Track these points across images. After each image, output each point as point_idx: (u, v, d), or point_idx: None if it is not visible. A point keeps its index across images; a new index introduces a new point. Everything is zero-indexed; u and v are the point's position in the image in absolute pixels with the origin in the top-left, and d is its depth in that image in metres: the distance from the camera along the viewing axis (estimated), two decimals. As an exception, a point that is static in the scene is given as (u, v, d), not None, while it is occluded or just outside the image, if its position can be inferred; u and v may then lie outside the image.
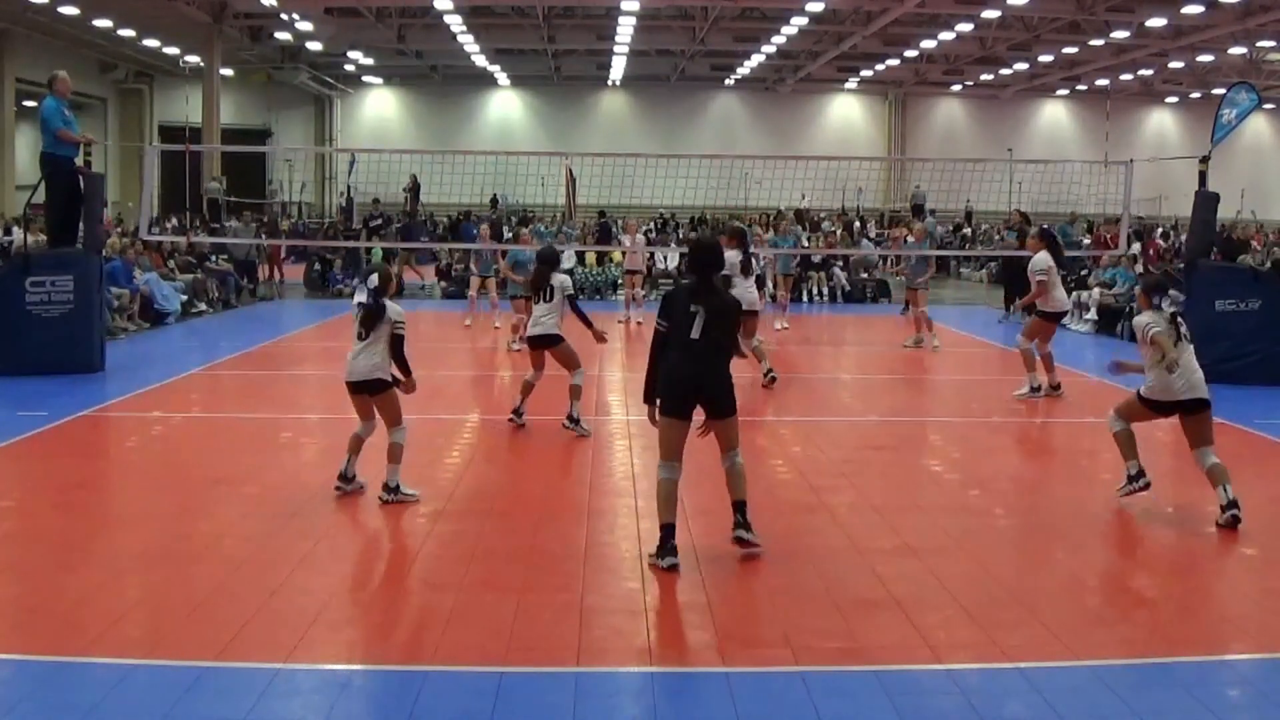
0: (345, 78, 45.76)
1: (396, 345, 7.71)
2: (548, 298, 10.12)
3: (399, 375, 7.82)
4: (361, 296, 7.78)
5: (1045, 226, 14.33)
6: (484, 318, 18.25)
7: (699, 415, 6.69)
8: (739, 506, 6.71)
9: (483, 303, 18.37)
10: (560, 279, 10.27)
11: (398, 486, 7.72)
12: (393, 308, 7.79)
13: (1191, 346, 7.88)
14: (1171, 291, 8.13)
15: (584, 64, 43.56)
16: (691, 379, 6.58)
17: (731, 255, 11.40)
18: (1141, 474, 8.00)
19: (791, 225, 23.23)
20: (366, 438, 7.92)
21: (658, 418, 6.66)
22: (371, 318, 7.70)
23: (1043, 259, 12.26)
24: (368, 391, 7.76)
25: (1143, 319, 7.85)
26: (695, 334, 6.52)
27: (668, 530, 6.49)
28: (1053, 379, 12.33)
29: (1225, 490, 7.61)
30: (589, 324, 10.22)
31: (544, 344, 10.18)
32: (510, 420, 10.30)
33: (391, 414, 7.78)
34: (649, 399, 6.73)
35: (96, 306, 13.24)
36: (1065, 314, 13.34)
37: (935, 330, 16.72)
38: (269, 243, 25.35)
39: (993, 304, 22.67)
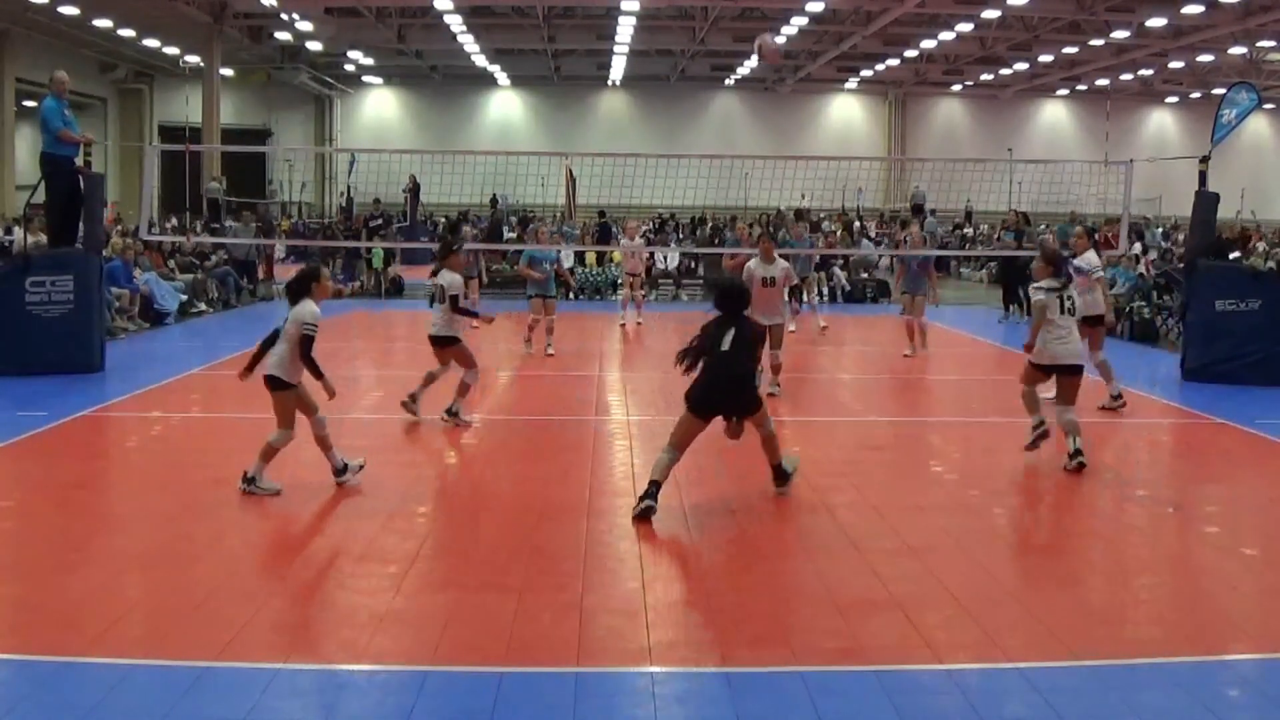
0: (345, 78, 45.78)
1: (304, 347, 7.65)
2: (439, 299, 10.47)
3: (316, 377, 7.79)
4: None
5: (1055, 249, 13.20)
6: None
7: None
8: (776, 469, 7.85)
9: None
10: (450, 278, 10.38)
11: (254, 479, 7.80)
12: (306, 308, 7.74)
13: (1074, 319, 9.13)
14: (1068, 266, 9.56)
15: (584, 64, 43.58)
16: (719, 388, 7.46)
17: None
18: (1041, 423, 9.20)
19: (802, 230, 23.11)
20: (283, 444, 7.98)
21: (686, 410, 7.47)
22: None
23: (1091, 257, 11.70)
24: (269, 386, 7.84)
25: (1037, 289, 9.19)
26: (725, 346, 7.44)
27: (655, 484, 7.34)
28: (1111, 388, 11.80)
29: (1074, 440, 8.95)
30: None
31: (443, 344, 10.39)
32: (422, 415, 10.41)
33: (280, 415, 7.87)
34: (688, 363, 7.56)
35: (96, 306, 13.24)
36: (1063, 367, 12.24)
37: (927, 338, 16.05)
38: (269, 243, 25.37)
39: (992, 304, 22.66)
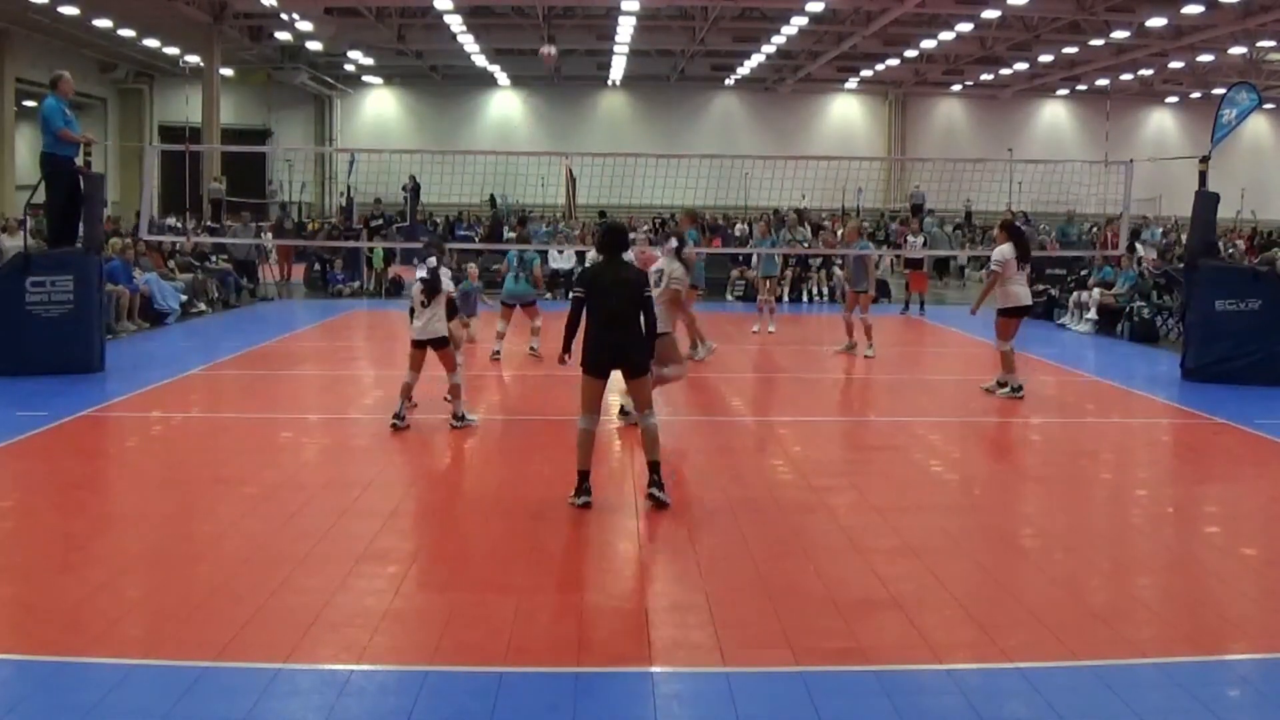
0: (345, 78, 45.77)
1: (451, 308, 10.04)
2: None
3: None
4: (421, 273, 10.11)
5: (1013, 220, 14.26)
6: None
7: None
8: (654, 467, 7.68)
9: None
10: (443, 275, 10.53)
11: (462, 415, 10.11)
12: (447, 282, 10.09)
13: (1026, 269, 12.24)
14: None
15: (584, 64, 43.57)
16: (609, 345, 7.62)
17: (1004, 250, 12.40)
18: (1020, 385, 11.99)
19: (796, 226, 23.11)
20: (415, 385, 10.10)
21: (582, 376, 7.69)
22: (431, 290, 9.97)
23: (1004, 251, 12.30)
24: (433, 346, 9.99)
25: (997, 251, 12.25)
26: (611, 305, 7.61)
27: (583, 475, 7.62)
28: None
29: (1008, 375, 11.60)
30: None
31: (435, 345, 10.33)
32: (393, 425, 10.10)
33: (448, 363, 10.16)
34: (566, 349, 7.84)
35: (96, 306, 13.23)
36: (1027, 309, 12.78)
37: (873, 338, 15.47)
38: (277, 243, 25.38)
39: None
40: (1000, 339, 12.37)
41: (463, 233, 29.35)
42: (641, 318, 7.66)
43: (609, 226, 8.33)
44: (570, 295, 8.13)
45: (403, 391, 10.21)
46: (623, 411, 10.34)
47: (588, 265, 8.43)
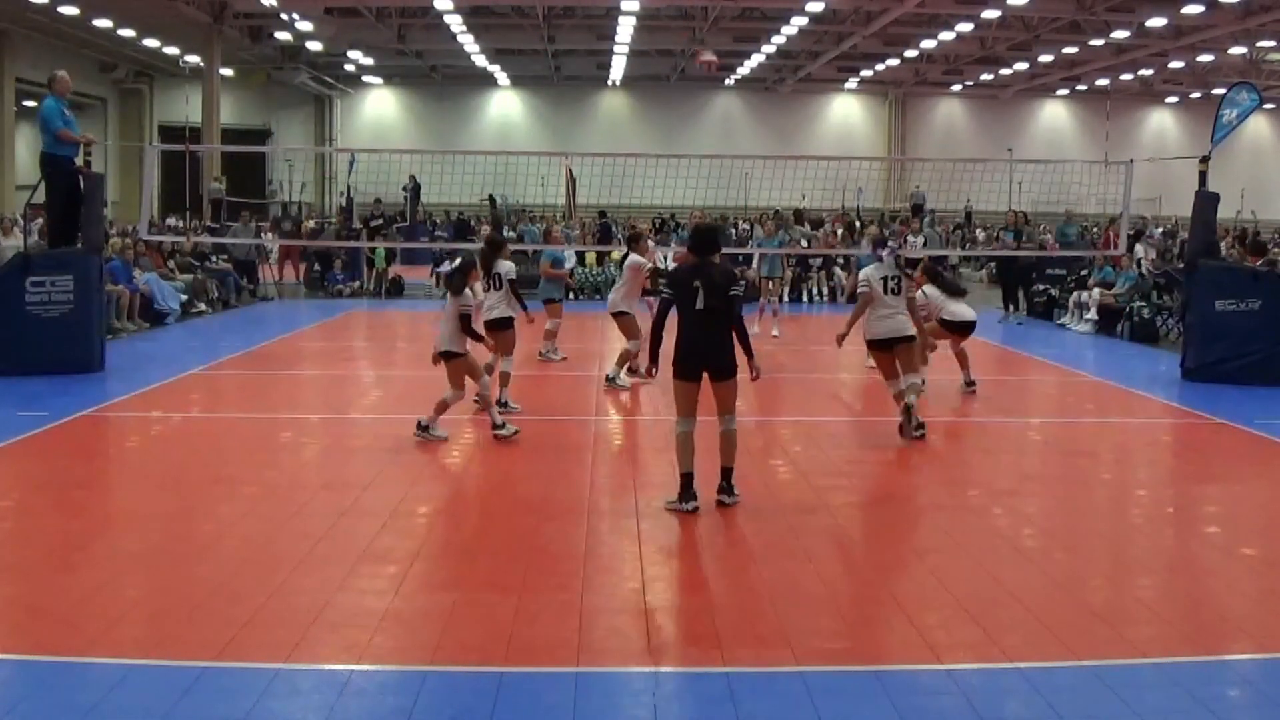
0: (345, 78, 45.79)
1: (463, 322, 9.51)
2: (496, 286, 10.94)
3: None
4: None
5: (931, 264, 13.26)
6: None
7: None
8: (725, 473, 7.61)
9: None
10: (505, 265, 10.98)
11: (428, 426, 9.65)
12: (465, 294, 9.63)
13: (899, 297, 9.99)
14: (890, 243, 11.21)
15: (584, 64, 43.59)
16: (697, 346, 7.47)
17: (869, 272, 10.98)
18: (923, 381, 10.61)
19: (793, 226, 23.10)
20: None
21: (673, 381, 7.58)
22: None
23: (929, 293, 12.16)
24: (443, 358, 9.63)
25: (863, 272, 10.24)
26: (699, 305, 7.42)
27: (687, 478, 7.45)
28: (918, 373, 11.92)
29: (910, 406, 9.81)
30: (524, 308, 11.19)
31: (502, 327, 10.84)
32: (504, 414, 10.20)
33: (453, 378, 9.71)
34: (653, 361, 7.86)
35: (96, 306, 13.24)
36: (967, 325, 12.39)
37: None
38: (281, 242, 25.39)
39: (992, 304, 22.67)
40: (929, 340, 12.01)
41: (436, 234, 28.82)
42: (729, 318, 7.57)
43: (699, 227, 8.08)
44: (659, 295, 7.99)
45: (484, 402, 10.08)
46: (497, 426, 9.85)
47: (674, 266, 8.35)
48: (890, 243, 11.86)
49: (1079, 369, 14.98)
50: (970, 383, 12.58)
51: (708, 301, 7.42)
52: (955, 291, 12.64)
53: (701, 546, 6.89)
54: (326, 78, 44.38)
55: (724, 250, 21.14)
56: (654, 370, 8.03)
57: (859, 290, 10.25)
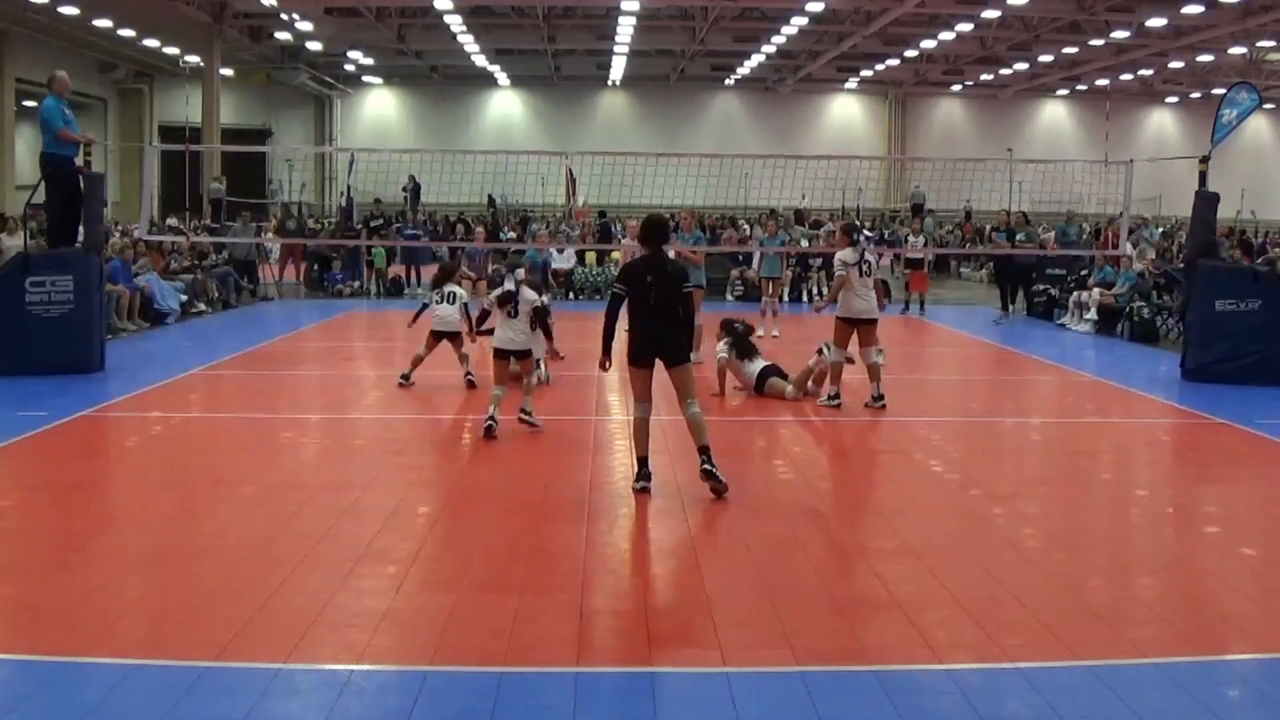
0: (345, 78, 45.81)
1: (541, 319, 10.16)
2: (513, 314, 10.20)
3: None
4: (510, 285, 10.19)
5: (851, 221, 14.44)
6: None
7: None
8: (703, 450, 7.79)
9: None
10: (528, 294, 10.27)
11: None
12: (528, 293, 10.11)
13: (871, 279, 11.41)
14: (865, 233, 12.18)
15: (584, 64, 43.61)
16: (651, 335, 7.86)
17: (846, 255, 11.55)
18: (839, 394, 11.51)
19: (792, 226, 23.10)
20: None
21: (627, 368, 8.02)
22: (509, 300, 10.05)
23: (845, 255, 11.55)
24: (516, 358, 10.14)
25: (840, 255, 11.54)
26: (652, 300, 7.79)
27: (642, 461, 7.95)
28: (834, 389, 11.67)
29: (877, 386, 11.36)
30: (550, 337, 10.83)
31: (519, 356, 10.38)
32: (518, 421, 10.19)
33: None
34: (606, 353, 8.21)
35: (96, 306, 13.23)
36: (864, 320, 11.54)
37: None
38: (289, 241, 25.37)
39: (992, 304, 22.67)
40: (836, 346, 11.64)
41: (409, 232, 28.18)
42: (680, 309, 7.89)
43: (650, 218, 8.25)
44: (610, 291, 8.26)
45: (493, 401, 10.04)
46: (525, 411, 10.12)
47: (629, 262, 8.37)
48: (867, 233, 13.21)
49: (1079, 369, 14.98)
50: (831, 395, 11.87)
51: (661, 294, 7.78)
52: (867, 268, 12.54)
53: (701, 546, 6.89)
54: (326, 78, 44.39)
55: (724, 250, 21.18)
56: (607, 364, 8.32)
57: (837, 273, 11.66)
